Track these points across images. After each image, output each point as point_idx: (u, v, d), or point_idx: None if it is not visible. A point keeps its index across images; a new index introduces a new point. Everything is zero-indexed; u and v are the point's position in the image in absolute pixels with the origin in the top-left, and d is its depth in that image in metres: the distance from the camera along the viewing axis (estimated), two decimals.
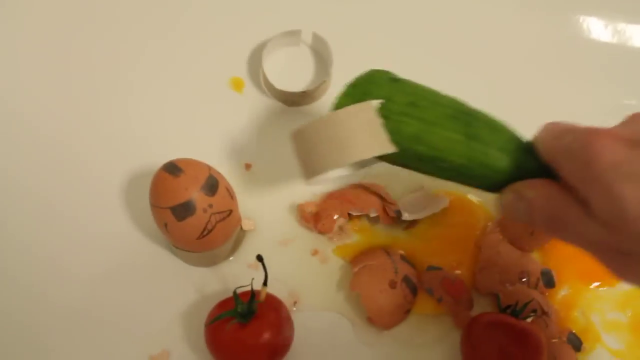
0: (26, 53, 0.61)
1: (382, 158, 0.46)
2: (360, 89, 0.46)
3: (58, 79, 0.60)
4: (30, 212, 0.55)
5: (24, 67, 0.61)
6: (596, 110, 0.63)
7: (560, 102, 0.63)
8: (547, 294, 0.54)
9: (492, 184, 0.44)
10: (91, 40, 0.62)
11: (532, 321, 0.51)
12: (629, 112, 0.64)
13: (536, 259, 0.56)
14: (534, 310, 0.52)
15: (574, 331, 0.54)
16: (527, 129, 0.55)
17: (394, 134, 0.43)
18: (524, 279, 0.54)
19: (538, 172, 0.41)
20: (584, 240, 0.37)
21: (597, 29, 0.67)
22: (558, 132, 0.41)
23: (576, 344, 0.53)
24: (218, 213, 0.49)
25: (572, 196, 0.37)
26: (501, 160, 0.43)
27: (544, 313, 0.52)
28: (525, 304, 0.50)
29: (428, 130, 0.43)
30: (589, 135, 0.37)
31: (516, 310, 0.50)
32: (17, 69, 0.61)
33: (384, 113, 0.44)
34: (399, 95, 0.45)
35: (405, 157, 0.45)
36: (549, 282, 0.55)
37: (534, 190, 0.40)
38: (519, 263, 0.55)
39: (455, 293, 0.53)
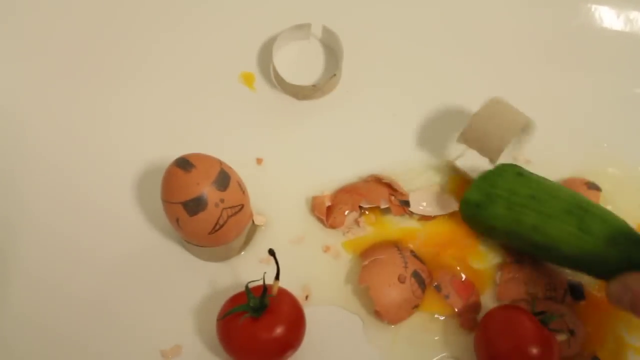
0: (35, 48, 0.62)
1: (496, 235, 0.54)
2: (488, 181, 0.53)
3: (69, 76, 0.61)
4: (44, 210, 0.55)
5: (33, 61, 0.61)
6: (607, 99, 0.63)
7: (571, 91, 0.63)
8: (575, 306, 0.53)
9: (601, 272, 0.49)
10: (102, 36, 0.63)
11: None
12: None
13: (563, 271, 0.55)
14: (571, 331, 0.50)
15: (597, 356, 0.52)
16: (538, 118, 0.55)
17: (515, 224, 0.51)
18: (550, 290, 0.53)
19: None
20: None
21: (609, 17, 0.66)
22: None
23: None
24: (230, 208, 0.49)
25: None
26: (610, 252, 0.47)
27: (570, 331, 0.50)
28: (558, 315, 0.49)
29: (545, 222, 0.50)
30: None
31: (546, 318, 0.49)
32: (25, 64, 0.61)
33: (507, 204, 0.51)
34: (522, 188, 0.51)
35: (522, 243, 0.52)
36: (578, 294, 0.54)
37: (639, 282, 0.44)
38: (544, 275, 0.54)
39: (464, 293, 0.53)
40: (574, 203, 0.50)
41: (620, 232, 0.48)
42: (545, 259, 0.53)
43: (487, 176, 0.53)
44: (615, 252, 0.47)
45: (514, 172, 0.53)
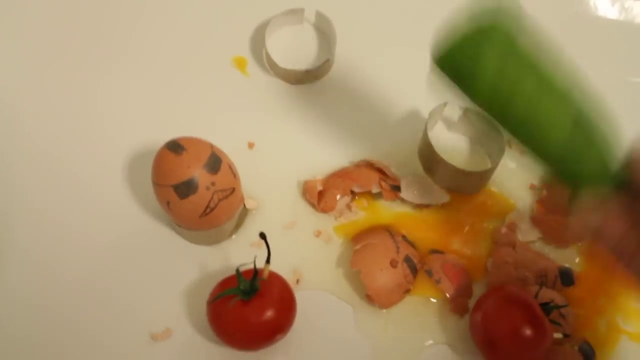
0: (23, 31, 0.62)
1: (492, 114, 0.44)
2: (473, 43, 0.42)
3: (62, 60, 0.60)
4: (35, 194, 0.55)
5: (21, 45, 0.61)
6: (601, 87, 0.62)
7: None
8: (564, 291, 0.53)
9: (573, 178, 0.43)
10: (93, 20, 0.62)
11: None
12: (635, 90, 0.63)
13: (553, 258, 0.55)
14: (566, 334, 0.50)
15: (588, 341, 0.51)
16: None
17: (508, 97, 0.42)
18: (542, 277, 0.53)
19: (620, 181, 0.42)
20: None
21: (604, 6, 0.66)
22: None
23: (588, 353, 0.51)
24: (221, 191, 0.49)
25: None
26: (592, 157, 0.42)
27: (561, 316, 0.51)
28: (562, 305, 0.50)
29: (541, 99, 0.41)
30: None
31: (549, 307, 0.49)
32: (13, 49, 0.61)
33: (499, 74, 0.41)
34: (515, 61, 0.42)
35: (507, 121, 0.43)
36: (567, 280, 0.54)
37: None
38: (535, 261, 0.54)
39: (455, 278, 0.53)
40: (577, 101, 0.43)
41: (607, 144, 0.43)
42: (523, 142, 0.44)
43: (471, 35, 0.42)
44: (596, 162, 0.42)
45: (508, 32, 0.42)
